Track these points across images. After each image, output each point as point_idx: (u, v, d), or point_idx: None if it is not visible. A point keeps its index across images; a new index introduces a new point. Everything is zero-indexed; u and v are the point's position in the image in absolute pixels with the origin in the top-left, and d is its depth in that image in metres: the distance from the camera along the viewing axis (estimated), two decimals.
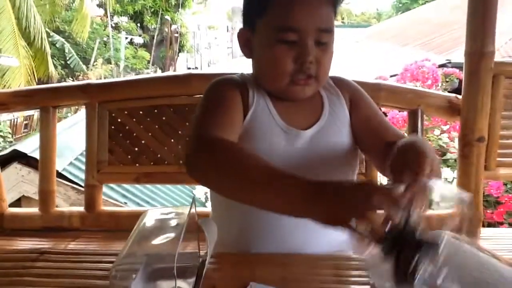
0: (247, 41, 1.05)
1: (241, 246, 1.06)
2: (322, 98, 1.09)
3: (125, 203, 3.50)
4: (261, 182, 0.78)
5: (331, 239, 1.04)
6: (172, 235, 0.81)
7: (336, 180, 0.73)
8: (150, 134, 1.91)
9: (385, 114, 2.91)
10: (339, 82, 1.13)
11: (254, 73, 1.08)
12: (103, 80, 2.56)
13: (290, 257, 0.97)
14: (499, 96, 1.83)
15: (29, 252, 1.00)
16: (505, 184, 3.23)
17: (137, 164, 1.92)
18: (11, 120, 10.12)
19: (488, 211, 3.13)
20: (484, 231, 1.90)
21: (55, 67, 11.80)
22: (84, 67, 14.52)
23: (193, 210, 0.89)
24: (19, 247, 1.10)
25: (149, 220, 0.86)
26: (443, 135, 3.58)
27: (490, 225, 3.00)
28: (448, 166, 3.32)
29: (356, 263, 0.94)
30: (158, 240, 0.81)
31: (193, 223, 0.89)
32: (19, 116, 10.15)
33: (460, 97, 1.86)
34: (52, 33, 13.43)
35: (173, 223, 0.85)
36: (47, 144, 1.95)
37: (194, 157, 0.88)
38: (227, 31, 23.25)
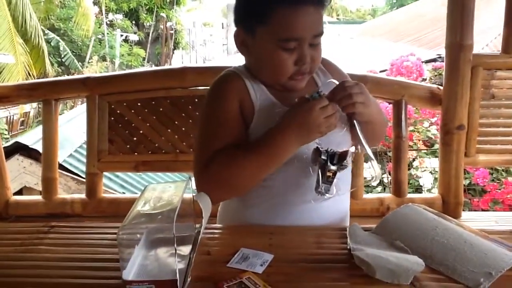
0: (244, 41, 1.14)
1: (239, 220, 1.18)
2: (314, 80, 1.20)
3: (123, 193, 3.60)
4: (254, 157, 1.05)
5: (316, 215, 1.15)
6: (170, 207, 0.91)
7: (285, 115, 1.04)
8: (148, 124, 2.01)
9: None
10: (327, 66, 1.25)
11: (251, 67, 1.17)
12: (102, 74, 2.66)
13: (277, 227, 1.07)
14: (477, 86, 1.94)
15: (41, 226, 1.10)
16: (491, 174, 3.34)
17: (135, 153, 2.02)
18: (7, 117, 10.16)
19: (474, 199, 3.25)
20: (465, 214, 2.02)
21: (52, 64, 11.82)
22: (79, 64, 14.54)
23: (189, 186, 1.00)
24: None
25: (150, 193, 0.96)
26: (431, 127, 3.69)
27: None
28: (436, 157, 3.43)
29: (337, 233, 1.04)
30: (158, 211, 0.90)
31: (189, 197, 0.99)
32: (16, 113, 10.20)
33: (441, 87, 1.97)
34: (47, 31, 13.44)
35: (171, 196, 0.95)
36: (49, 135, 2.04)
37: (204, 183, 1.09)
38: (222, 28, 23.29)
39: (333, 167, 1.05)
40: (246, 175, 1.07)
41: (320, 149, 1.06)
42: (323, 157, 1.04)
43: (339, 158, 1.05)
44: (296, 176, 1.11)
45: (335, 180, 1.06)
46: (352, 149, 1.12)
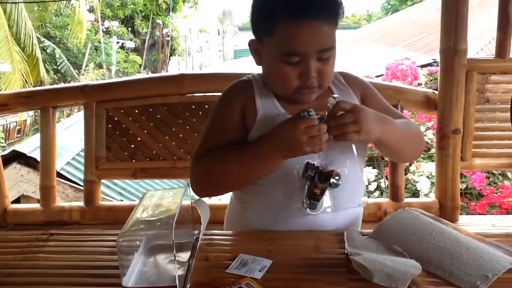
0: (256, 50, 1.14)
1: (242, 224, 1.19)
2: (332, 93, 1.16)
3: (121, 200, 3.59)
4: (240, 160, 1.07)
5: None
6: (169, 213, 0.91)
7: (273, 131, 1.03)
8: (145, 131, 2.02)
9: None
10: (348, 79, 1.22)
11: (264, 77, 1.17)
12: (100, 81, 2.66)
13: (276, 233, 1.07)
14: (472, 91, 1.95)
15: (40, 234, 1.10)
16: (487, 178, 3.35)
17: (133, 160, 2.02)
18: (3, 125, 10.15)
19: (471, 203, 3.25)
20: (462, 218, 2.03)
21: (47, 72, 11.82)
22: (76, 72, 14.56)
23: (187, 192, 1.00)
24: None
25: (149, 200, 0.96)
26: (427, 131, 3.70)
27: None
28: (433, 161, 3.44)
29: (335, 237, 1.05)
30: (156, 218, 0.91)
31: (187, 204, 1.00)
32: (12, 121, 10.18)
33: (436, 92, 1.98)
34: (42, 39, 13.47)
35: (170, 203, 0.95)
36: (47, 142, 2.05)
37: (193, 176, 1.14)
38: (218, 34, 23.33)
39: (321, 185, 1.01)
40: (230, 176, 1.10)
41: (309, 164, 1.03)
42: (309, 173, 1.02)
43: (326, 177, 1.01)
44: (294, 186, 1.09)
45: (325, 197, 1.04)
46: (342, 169, 1.06)
